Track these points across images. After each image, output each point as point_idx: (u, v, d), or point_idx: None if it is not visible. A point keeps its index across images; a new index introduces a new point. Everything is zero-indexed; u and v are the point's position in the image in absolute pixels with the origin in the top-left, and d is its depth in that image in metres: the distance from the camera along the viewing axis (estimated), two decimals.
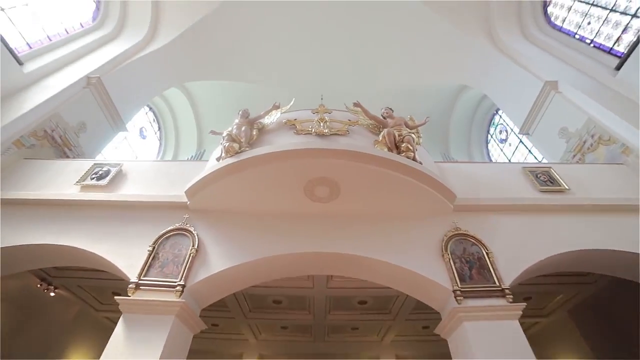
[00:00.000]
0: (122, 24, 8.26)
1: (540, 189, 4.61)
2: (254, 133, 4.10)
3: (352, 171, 3.72)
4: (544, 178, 4.78)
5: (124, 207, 4.26)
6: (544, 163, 5.11)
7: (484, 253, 3.75)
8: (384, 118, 4.36)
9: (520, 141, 10.06)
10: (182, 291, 3.37)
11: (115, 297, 3.24)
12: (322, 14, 9.48)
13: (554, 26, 8.05)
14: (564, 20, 7.77)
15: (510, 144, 10.90)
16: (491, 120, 12.02)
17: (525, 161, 9.18)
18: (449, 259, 3.66)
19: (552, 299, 6.47)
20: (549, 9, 8.23)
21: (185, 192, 4.07)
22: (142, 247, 3.75)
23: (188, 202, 4.17)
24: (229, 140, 3.78)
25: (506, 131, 11.24)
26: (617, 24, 6.38)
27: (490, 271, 3.57)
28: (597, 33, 6.84)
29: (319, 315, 6.95)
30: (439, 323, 3.66)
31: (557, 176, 4.76)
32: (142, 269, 3.52)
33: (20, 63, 6.05)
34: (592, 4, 6.94)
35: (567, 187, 4.57)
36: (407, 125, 4.24)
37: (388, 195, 3.97)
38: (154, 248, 3.72)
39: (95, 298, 6.60)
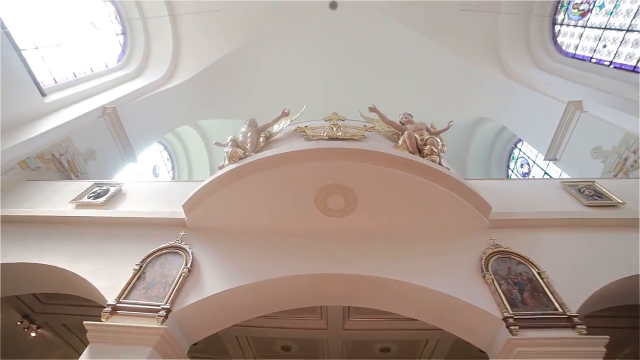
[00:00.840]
0: (144, 65, 8.74)
1: (587, 204, 3.97)
2: (261, 140, 3.81)
3: (369, 177, 3.28)
4: (589, 192, 4.17)
5: (116, 224, 3.86)
6: (586, 178, 4.53)
7: (535, 273, 3.06)
8: (403, 124, 4.03)
9: (545, 172, 9.48)
10: (166, 317, 2.77)
11: (85, 323, 2.65)
12: (337, 53, 9.85)
13: (567, 54, 7.98)
14: (576, 47, 7.70)
15: (534, 177, 10.30)
16: (510, 155, 11.59)
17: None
18: (492, 280, 2.98)
19: (619, 351, 5.26)
20: (559, 39, 8.25)
21: (183, 205, 3.68)
22: (129, 267, 3.25)
23: (186, 218, 3.75)
24: (233, 146, 3.47)
25: (528, 164, 10.71)
26: (636, 43, 6.20)
27: (547, 294, 2.85)
28: (615, 54, 6.66)
29: None
30: None
31: (605, 190, 4.15)
32: (123, 291, 2.98)
33: (43, 95, 6.25)
34: (605, 28, 6.88)
35: (620, 201, 3.93)
36: (428, 131, 3.88)
37: (412, 206, 3.44)
38: (140, 267, 3.21)
39: (82, 342, 5.84)
